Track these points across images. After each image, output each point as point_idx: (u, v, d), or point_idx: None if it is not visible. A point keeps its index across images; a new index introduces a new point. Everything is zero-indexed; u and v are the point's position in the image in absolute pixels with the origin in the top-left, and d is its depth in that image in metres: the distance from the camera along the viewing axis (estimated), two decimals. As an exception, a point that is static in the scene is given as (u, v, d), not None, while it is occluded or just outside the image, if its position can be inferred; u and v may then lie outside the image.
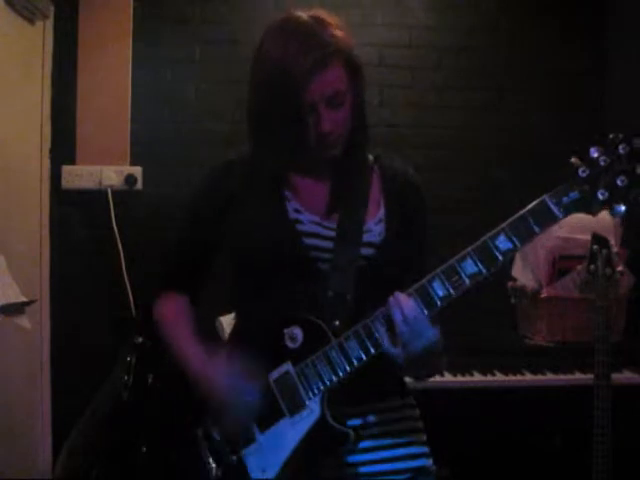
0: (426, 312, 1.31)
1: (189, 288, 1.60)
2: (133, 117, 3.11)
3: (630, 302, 2.82)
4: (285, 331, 1.38)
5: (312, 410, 1.36)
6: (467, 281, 1.30)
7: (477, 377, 2.69)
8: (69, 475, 2.61)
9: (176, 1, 3.16)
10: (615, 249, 2.37)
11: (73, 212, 3.09)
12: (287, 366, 1.38)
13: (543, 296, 2.84)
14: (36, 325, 2.82)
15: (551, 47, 3.28)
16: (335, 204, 1.47)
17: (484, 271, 1.30)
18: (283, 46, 1.35)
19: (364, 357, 1.34)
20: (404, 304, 1.30)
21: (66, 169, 3.08)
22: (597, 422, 2.20)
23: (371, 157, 1.56)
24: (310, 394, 1.36)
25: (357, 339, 1.34)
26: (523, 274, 2.95)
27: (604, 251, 2.29)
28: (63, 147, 3.06)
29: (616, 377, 2.40)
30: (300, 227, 1.44)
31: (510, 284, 3.02)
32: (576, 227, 2.75)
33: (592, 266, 2.28)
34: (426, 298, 1.31)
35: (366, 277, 1.42)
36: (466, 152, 3.25)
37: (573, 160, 1.42)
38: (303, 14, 1.41)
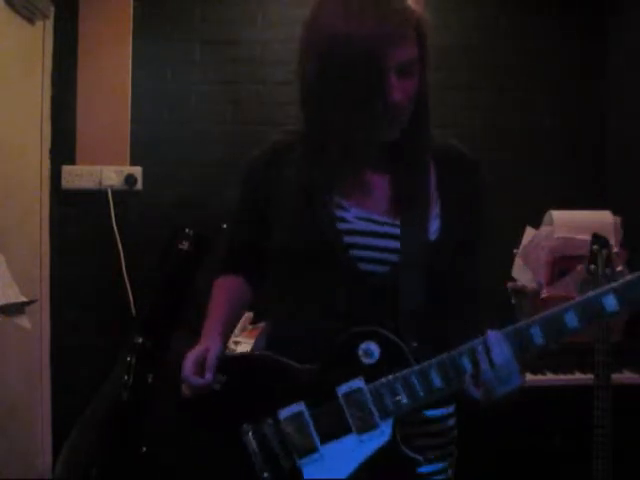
0: (517, 357, 1.23)
1: (244, 269, 1.56)
2: (133, 117, 3.11)
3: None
4: (361, 345, 1.31)
5: (383, 432, 1.29)
6: (566, 334, 1.24)
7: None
8: (69, 475, 2.61)
9: (176, 1, 3.16)
10: (615, 249, 2.37)
11: (73, 212, 3.09)
12: (359, 382, 1.30)
13: (543, 296, 2.84)
14: (36, 325, 2.82)
15: (551, 47, 3.28)
16: (399, 205, 1.37)
17: (585, 327, 1.24)
18: (351, 13, 1.23)
19: (445, 390, 1.27)
20: (495, 348, 1.22)
21: (66, 169, 3.08)
22: (597, 422, 2.20)
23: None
24: (383, 415, 1.29)
25: (441, 371, 1.27)
26: (523, 274, 2.95)
27: (604, 251, 2.28)
28: (63, 147, 3.07)
29: (616, 377, 2.40)
30: (343, 225, 1.36)
31: (510, 284, 3.02)
32: (576, 227, 2.75)
33: (592, 266, 2.28)
34: (522, 343, 1.24)
35: (432, 282, 1.35)
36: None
37: None
38: None
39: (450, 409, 1.46)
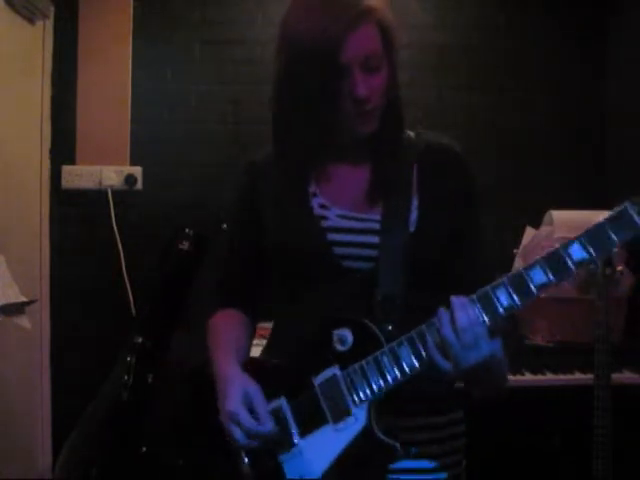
0: (486, 321, 1.19)
1: (244, 302, 1.52)
2: (133, 117, 3.11)
3: (630, 302, 2.82)
4: (334, 332, 1.29)
5: (357, 418, 1.27)
6: (535, 291, 1.19)
7: (477, 377, 2.68)
8: (69, 475, 2.60)
9: (176, 1, 3.16)
10: (615, 249, 2.37)
11: (73, 212, 3.09)
12: (334, 369, 1.29)
13: (543, 296, 2.83)
14: (36, 325, 2.82)
15: (551, 47, 3.28)
16: (377, 193, 1.37)
17: (554, 280, 1.19)
18: (311, 11, 1.27)
19: (417, 365, 1.24)
20: (457, 312, 1.18)
21: (66, 169, 3.08)
22: (597, 422, 2.20)
23: (412, 134, 1.46)
24: (357, 401, 1.27)
25: (410, 345, 1.24)
26: (523, 274, 2.95)
27: (604, 251, 2.28)
28: (63, 147, 3.07)
29: (616, 377, 2.40)
30: (325, 223, 1.36)
31: (510, 284, 3.01)
32: (576, 227, 2.74)
33: (592, 266, 2.28)
34: (488, 306, 1.20)
35: (413, 273, 1.33)
36: (466, 152, 3.24)
37: None
38: None
39: (456, 415, 1.45)
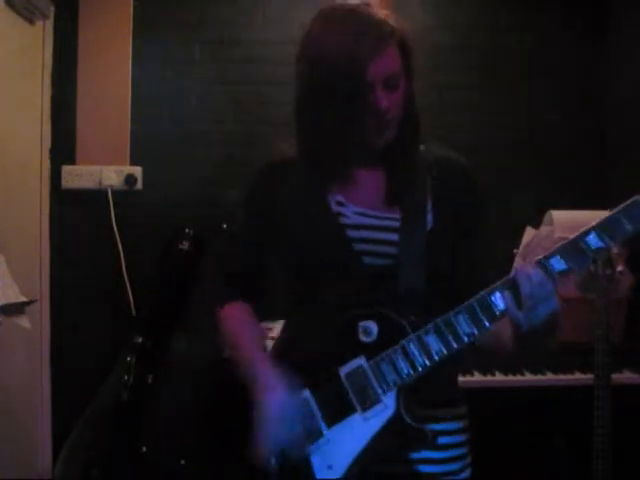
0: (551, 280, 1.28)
1: (251, 296, 1.56)
2: (133, 117, 3.11)
3: (630, 302, 2.82)
4: (360, 324, 1.34)
5: (387, 406, 1.31)
6: (590, 256, 1.30)
7: (477, 377, 2.68)
8: (69, 475, 2.61)
9: (176, 1, 3.16)
10: (615, 249, 2.37)
11: (73, 212, 3.09)
12: (360, 360, 1.33)
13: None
14: (36, 325, 2.82)
15: (551, 46, 3.28)
16: (394, 195, 1.43)
17: (610, 244, 1.31)
18: (339, 29, 1.34)
19: (445, 351, 1.30)
20: (530, 269, 1.28)
21: (66, 169, 3.08)
22: (597, 422, 2.20)
23: (422, 147, 1.52)
24: (385, 388, 1.32)
25: (437, 333, 1.31)
26: (523, 274, 2.95)
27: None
28: (63, 147, 3.07)
29: (616, 377, 2.40)
30: (343, 220, 1.41)
31: (510, 284, 3.01)
32: (576, 227, 2.74)
33: (592, 266, 2.28)
34: (545, 271, 1.29)
35: (431, 269, 1.39)
36: (466, 152, 3.24)
37: None
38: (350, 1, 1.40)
39: (460, 424, 1.49)
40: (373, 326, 1.34)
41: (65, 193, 3.08)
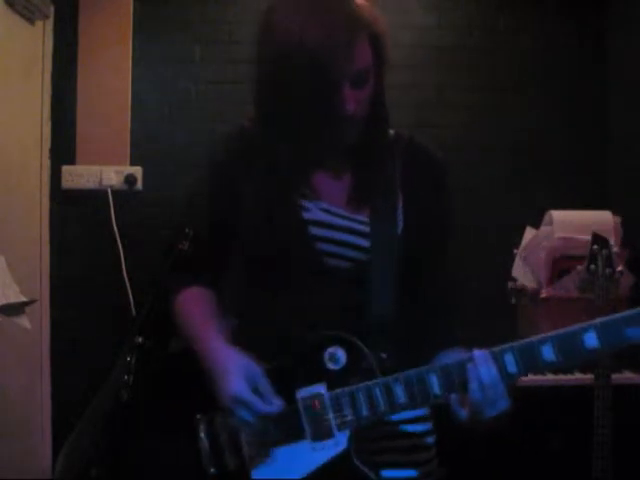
0: (504, 380, 1.20)
1: (212, 282, 1.46)
2: (133, 117, 3.11)
3: (630, 302, 2.82)
4: (328, 350, 1.26)
5: (338, 442, 1.23)
6: (542, 366, 1.19)
7: (477, 377, 2.68)
8: (69, 475, 2.60)
9: (176, 1, 3.16)
10: (615, 249, 2.37)
11: (73, 212, 3.09)
12: (321, 388, 1.25)
13: (543, 296, 2.84)
14: (36, 325, 2.82)
15: (551, 47, 3.28)
16: (360, 197, 1.34)
17: (561, 362, 1.18)
18: (305, 19, 1.21)
19: (409, 407, 1.23)
20: (482, 367, 1.18)
21: (66, 169, 3.08)
22: (597, 422, 2.20)
23: (392, 132, 1.43)
24: (341, 426, 1.23)
25: (406, 387, 1.22)
26: (523, 274, 2.95)
27: (604, 251, 2.28)
28: (63, 147, 3.07)
29: (616, 377, 2.40)
30: (306, 215, 1.33)
31: (510, 284, 3.02)
32: (576, 227, 2.75)
33: (592, 266, 2.28)
34: (500, 367, 1.19)
35: (402, 284, 1.32)
36: (466, 152, 3.25)
37: None
38: None
39: (427, 426, 1.42)
40: (341, 355, 1.25)
41: (65, 193, 3.08)
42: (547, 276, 2.86)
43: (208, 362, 1.30)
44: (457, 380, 1.20)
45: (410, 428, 1.37)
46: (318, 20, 1.20)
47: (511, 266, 3.01)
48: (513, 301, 3.04)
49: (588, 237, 2.36)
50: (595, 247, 2.30)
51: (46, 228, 3.01)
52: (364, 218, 1.34)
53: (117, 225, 3.05)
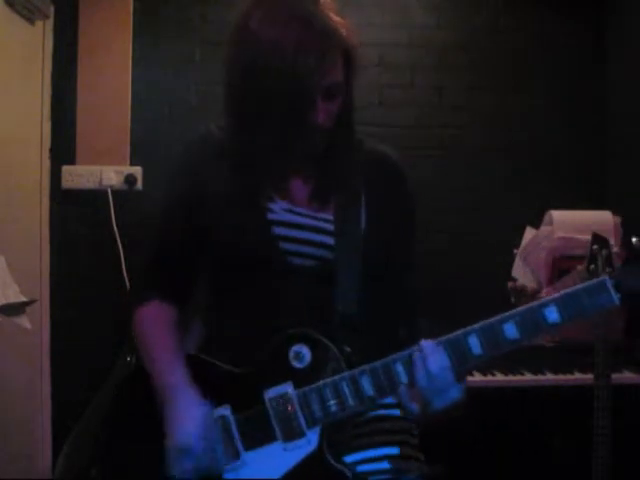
0: (454, 367, 1.19)
1: (175, 295, 1.43)
2: (133, 117, 3.11)
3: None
4: (292, 348, 1.25)
5: (310, 441, 1.23)
6: (505, 346, 1.19)
7: (477, 377, 2.68)
8: (69, 475, 2.60)
9: (176, 1, 3.16)
10: (615, 249, 2.37)
11: (73, 212, 3.09)
12: (287, 387, 1.25)
13: (543, 296, 2.84)
14: (36, 325, 2.81)
15: (551, 47, 3.28)
16: (325, 193, 1.36)
17: (524, 339, 1.19)
18: (280, 33, 1.24)
19: (377, 399, 1.23)
20: (430, 357, 1.18)
21: (66, 169, 3.08)
22: (597, 422, 2.20)
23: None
24: (310, 423, 1.23)
25: (373, 378, 1.22)
26: (523, 274, 2.95)
27: (604, 251, 2.28)
28: (63, 147, 3.07)
29: (616, 377, 2.39)
30: (270, 215, 1.33)
31: (510, 284, 3.02)
32: (576, 227, 2.75)
33: (592, 266, 2.27)
34: (458, 353, 1.19)
35: (366, 280, 1.32)
36: (466, 152, 3.25)
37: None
38: None
39: (392, 411, 1.41)
40: (306, 352, 1.25)
41: (65, 193, 3.08)
42: (547, 276, 2.86)
43: (163, 397, 1.29)
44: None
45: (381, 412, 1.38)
46: (294, 33, 1.23)
47: (511, 266, 3.01)
48: (513, 301, 3.03)
49: (588, 237, 2.36)
50: (595, 247, 2.30)
51: (46, 228, 3.01)
52: (328, 216, 1.35)
53: (117, 225, 3.05)
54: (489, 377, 2.68)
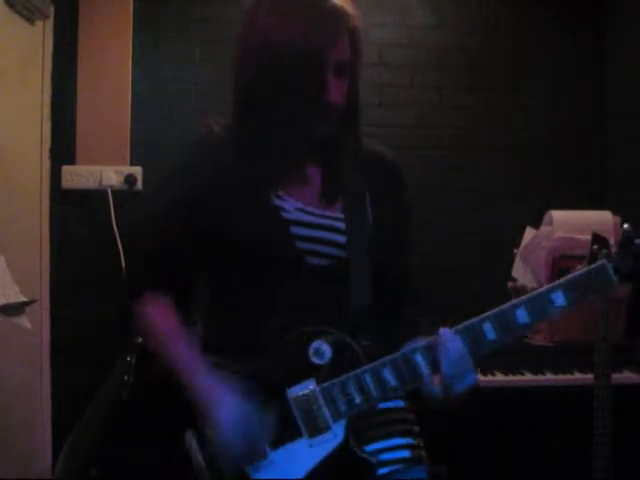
0: (471, 353, 1.25)
1: (175, 295, 1.44)
2: (133, 117, 3.11)
3: (630, 302, 2.82)
4: (312, 345, 1.27)
5: (336, 434, 1.25)
6: (518, 330, 1.26)
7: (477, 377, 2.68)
8: (69, 475, 2.60)
9: (176, 1, 3.16)
10: (615, 249, 2.37)
11: (73, 212, 3.09)
12: (310, 383, 1.26)
13: (543, 296, 2.83)
14: (36, 325, 2.82)
15: (551, 47, 3.28)
16: (332, 191, 1.38)
17: (535, 323, 1.26)
18: (291, 15, 1.28)
19: (399, 389, 1.26)
20: (449, 344, 1.24)
21: (66, 169, 3.07)
22: (597, 422, 2.20)
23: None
24: (336, 417, 1.25)
25: (394, 369, 1.26)
26: (523, 274, 2.95)
27: (604, 251, 2.28)
28: (63, 147, 3.06)
29: (616, 377, 2.40)
30: (285, 215, 1.34)
31: (510, 284, 3.02)
32: (576, 227, 2.75)
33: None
34: (474, 339, 1.26)
35: (376, 275, 1.35)
36: (466, 152, 3.25)
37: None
38: None
39: (398, 403, 1.44)
40: (326, 348, 1.27)
41: (65, 193, 3.07)
42: (547, 276, 2.86)
43: (197, 397, 1.28)
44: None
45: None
46: (304, 11, 1.27)
47: (511, 266, 3.01)
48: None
49: (588, 237, 2.35)
50: (595, 247, 2.29)
51: (46, 228, 3.01)
52: (339, 214, 1.37)
53: (117, 225, 3.05)
54: (489, 377, 2.68)
